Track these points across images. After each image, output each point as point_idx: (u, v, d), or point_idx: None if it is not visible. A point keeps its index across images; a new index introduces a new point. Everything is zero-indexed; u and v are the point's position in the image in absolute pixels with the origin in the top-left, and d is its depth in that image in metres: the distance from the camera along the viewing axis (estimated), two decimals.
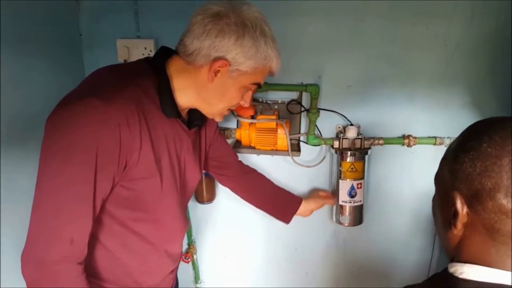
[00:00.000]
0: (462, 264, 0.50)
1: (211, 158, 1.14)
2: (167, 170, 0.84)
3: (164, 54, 0.84)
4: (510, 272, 0.47)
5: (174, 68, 0.82)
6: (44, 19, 1.18)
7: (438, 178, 0.57)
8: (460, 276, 0.49)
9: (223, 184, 1.27)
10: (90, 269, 0.82)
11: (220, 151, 1.15)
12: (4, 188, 1.02)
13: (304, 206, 1.29)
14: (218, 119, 0.91)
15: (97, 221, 0.80)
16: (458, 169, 0.50)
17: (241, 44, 0.76)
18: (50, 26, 1.22)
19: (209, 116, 0.89)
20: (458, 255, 0.53)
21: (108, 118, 0.69)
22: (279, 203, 1.27)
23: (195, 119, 0.92)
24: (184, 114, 0.88)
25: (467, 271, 0.49)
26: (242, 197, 1.28)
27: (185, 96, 0.83)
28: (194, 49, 0.77)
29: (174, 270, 1.04)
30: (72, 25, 1.34)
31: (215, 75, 0.79)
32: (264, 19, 0.80)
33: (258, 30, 0.77)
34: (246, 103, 0.89)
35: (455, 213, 0.51)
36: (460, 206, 0.50)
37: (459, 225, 0.51)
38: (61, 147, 0.68)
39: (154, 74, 0.80)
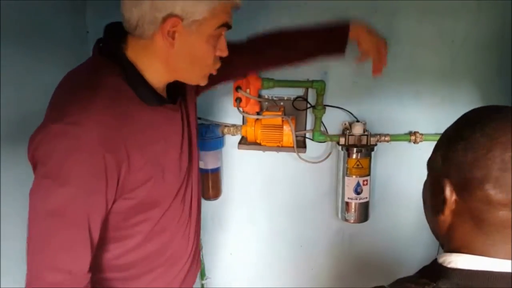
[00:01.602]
0: (450, 253, 0.51)
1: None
2: (167, 159, 0.79)
3: (115, 35, 0.75)
4: (497, 259, 0.48)
5: (132, 50, 0.74)
6: (51, 16, 1.19)
7: (430, 164, 0.57)
8: (449, 266, 0.50)
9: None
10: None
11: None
12: (5, 188, 1.01)
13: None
14: (202, 82, 0.80)
15: (105, 237, 0.77)
16: (450, 157, 0.51)
17: None
18: (57, 23, 1.22)
19: (191, 82, 0.81)
20: (448, 243, 0.54)
21: (82, 143, 0.64)
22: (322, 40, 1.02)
23: (175, 89, 0.84)
24: (163, 90, 0.80)
25: (455, 260, 0.50)
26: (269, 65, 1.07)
27: (156, 75, 0.75)
28: (137, 20, 0.68)
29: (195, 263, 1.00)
30: (79, 22, 1.35)
31: (173, 38, 0.70)
32: None
33: None
34: (223, 52, 0.77)
35: (444, 200, 0.51)
36: (449, 193, 0.50)
37: (447, 211, 0.51)
38: (42, 180, 0.65)
39: (116, 65, 0.72)
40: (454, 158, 0.50)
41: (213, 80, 0.86)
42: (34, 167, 0.67)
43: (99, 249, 0.76)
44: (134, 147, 0.71)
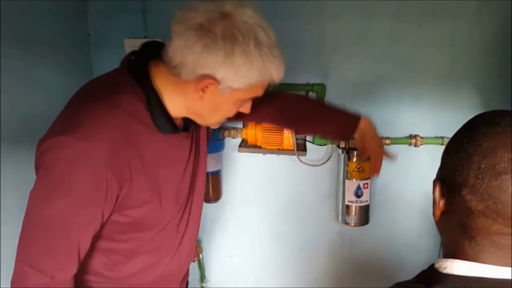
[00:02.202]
0: (446, 259, 0.51)
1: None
2: (167, 186, 0.79)
3: (147, 55, 0.74)
4: (491, 266, 0.47)
5: (161, 76, 0.73)
6: (52, 19, 1.19)
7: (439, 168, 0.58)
8: (444, 271, 0.50)
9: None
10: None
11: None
12: (5, 188, 1.02)
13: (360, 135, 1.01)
14: (214, 127, 0.82)
15: (93, 249, 0.78)
16: (443, 159, 0.52)
17: (230, 62, 0.65)
18: (58, 26, 1.22)
19: (203, 125, 0.82)
20: (443, 248, 0.54)
21: (88, 158, 0.64)
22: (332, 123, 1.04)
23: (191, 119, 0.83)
24: (179, 120, 0.79)
25: (450, 266, 0.50)
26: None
27: (176, 108, 0.75)
28: (178, 63, 0.67)
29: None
30: (80, 25, 1.35)
31: (204, 92, 0.70)
32: (259, 23, 0.67)
33: (252, 41, 0.65)
34: (246, 111, 0.79)
35: (433, 201, 0.52)
36: (438, 195, 0.51)
37: (437, 212, 0.52)
38: (43, 185, 0.66)
39: (140, 87, 0.71)
40: (445, 161, 0.51)
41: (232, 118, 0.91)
42: (38, 170, 0.67)
43: (88, 256, 0.76)
44: (139, 171, 0.71)
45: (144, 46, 0.76)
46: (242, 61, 0.65)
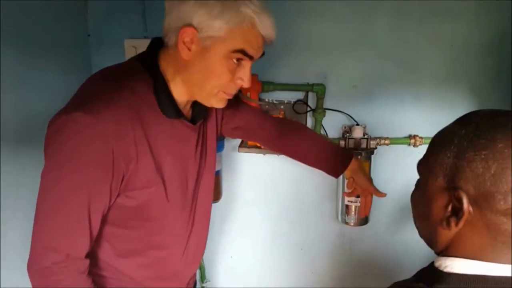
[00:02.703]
0: (446, 258, 0.51)
1: (235, 128, 1.04)
2: (172, 176, 0.79)
3: (156, 47, 0.78)
4: (493, 264, 0.47)
5: (163, 61, 0.76)
6: (52, 19, 1.19)
7: (430, 169, 0.53)
8: (445, 270, 0.50)
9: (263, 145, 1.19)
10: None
11: (241, 119, 1.02)
12: (6, 188, 1.01)
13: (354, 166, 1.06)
14: (216, 104, 0.79)
15: (101, 237, 0.79)
16: (466, 167, 0.47)
17: (201, 4, 0.67)
18: (58, 26, 1.22)
19: (206, 103, 0.79)
20: (449, 250, 0.52)
21: (96, 132, 0.66)
22: (328, 160, 1.08)
23: (199, 111, 0.84)
24: (187, 109, 0.82)
25: (451, 265, 0.49)
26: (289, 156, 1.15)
27: (177, 88, 0.77)
28: (166, 28, 0.72)
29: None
30: (80, 25, 1.35)
31: (189, 49, 0.71)
32: None
33: None
34: (243, 81, 0.76)
35: (457, 211, 0.49)
36: (466, 206, 0.48)
37: (461, 223, 0.49)
38: (53, 164, 0.68)
39: (148, 73, 0.75)
40: (471, 169, 0.47)
41: (240, 133, 1.05)
42: (47, 148, 0.69)
43: (96, 245, 0.78)
44: (145, 151, 0.73)
45: (154, 40, 0.79)
46: (213, 2, 0.67)
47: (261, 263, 1.61)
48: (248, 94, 1.32)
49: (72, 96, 0.73)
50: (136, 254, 0.83)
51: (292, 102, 1.39)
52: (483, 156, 0.46)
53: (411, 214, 0.62)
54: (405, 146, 1.40)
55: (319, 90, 1.33)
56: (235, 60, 0.73)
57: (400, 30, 1.32)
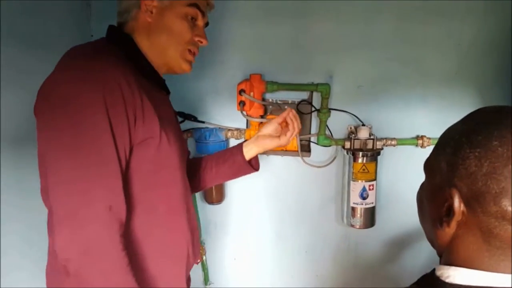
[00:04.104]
0: (448, 267, 0.49)
1: None
2: (170, 133, 0.82)
3: (116, 29, 0.86)
4: (497, 274, 0.45)
5: (131, 34, 0.85)
6: (55, 20, 1.20)
7: (430, 166, 0.52)
8: (446, 280, 0.47)
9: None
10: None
11: None
12: (5, 188, 1.02)
13: (252, 146, 1.05)
14: (185, 66, 0.88)
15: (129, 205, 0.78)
16: (460, 165, 0.46)
17: None
18: (61, 27, 1.23)
19: (176, 66, 0.88)
20: (448, 255, 0.50)
21: (107, 77, 0.69)
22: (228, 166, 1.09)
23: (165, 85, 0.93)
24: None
25: (453, 275, 0.47)
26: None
27: (148, 54, 0.85)
28: (125, 4, 0.84)
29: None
30: (83, 25, 1.36)
31: (151, 12, 0.83)
32: None
33: None
34: (201, 38, 0.88)
35: (450, 211, 0.47)
36: (458, 205, 0.46)
37: (453, 224, 0.47)
38: (68, 114, 0.67)
39: (118, 47, 0.81)
40: (465, 167, 0.45)
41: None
42: (47, 109, 0.68)
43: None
44: (146, 101, 0.76)
45: (110, 26, 0.87)
46: None
47: (265, 266, 1.60)
48: (252, 94, 1.32)
49: (58, 64, 0.74)
50: (156, 227, 0.83)
51: (296, 102, 1.39)
52: (477, 153, 0.44)
53: (417, 216, 0.60)
54: (412, 147, 1.39)
55: (324, 90, 1.32)
56: (190, 18, 0.86)
57: (406, 29, 1.31)
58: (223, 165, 1.07)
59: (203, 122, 1.41)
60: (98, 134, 0.67)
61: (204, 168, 1.08)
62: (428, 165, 0.53)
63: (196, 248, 0.97)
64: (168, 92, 0.95)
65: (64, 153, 0.66)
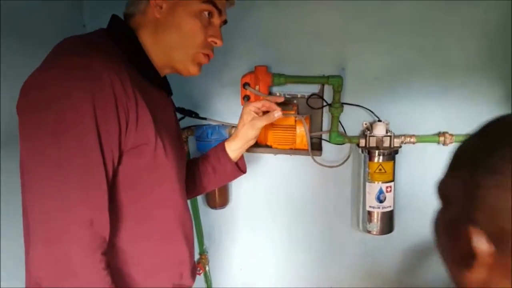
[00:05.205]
0: None
1: None
2: (167, 140, 0.80)
3: (121, 20, 0.84)
4: None
5: (135, 29, 0.82)
6: (48, 11, 1.21)
7: (443, 192, 0.46)
8: None
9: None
10: None
11: None
12: (4, 188, 1.04)
13: (236, 143, 1.04)
14: (193, 69, 0.86)
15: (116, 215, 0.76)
16: (478, 196, 0.39)
17: None
18: (54, 17, 1.24)
19: (182, 68, 0.85)
20: None
21: (98, 74, 0.66)
22: (215, 172, 1.09)
23: (167, 86, 0.93)
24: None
25: None
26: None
27: (150, 52, 0.83)
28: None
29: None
30: (76, 16, 1.38)
31: (161, 7, 0.79)
32: None
33: None
34: (216, 39, 0.85)
35: (473, 254, 0.40)
36: (481, 246, 0.39)
37: (480, 269, 0.40)
38: (51, 116, 0.64)
39: (117, 43, 0.79)
40: (484, 199, 0.39)
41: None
42: (29, 109, 0.66)
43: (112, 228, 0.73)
44: (141, 102, 0.73)
45: (114, 16, 0.84)
46: None
47: (274, 276, 1.58)
48: (257, 87, 1.30)
49: (46, 58, 0.72)
50: (147, 237, 0.81)
51: (306, 96, 1.37)
52: (497, 182, 0.37)
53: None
54: (433, 145, 1.36)
55: (336, 82, 1.29)
56: (206, 14, 0.82)
57: (426, 16, 1.28)
58: (213, 175, 1.07)
59: (204, 118, 1.40)
60: (83, 138, 0.65)
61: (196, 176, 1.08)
62: (441, 191, 0.47)
63: (193, 270, 0.94)
64: (169, 93, 0.93)
65: (43, 157, 0.64)
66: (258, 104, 1.02)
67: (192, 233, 0.95)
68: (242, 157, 1.09)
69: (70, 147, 0.64)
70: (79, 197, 0.64)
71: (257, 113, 1.02)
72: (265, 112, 1.04)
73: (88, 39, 0.76)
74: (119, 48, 0.77)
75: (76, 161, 0.64)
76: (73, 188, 0.64)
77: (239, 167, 1.08)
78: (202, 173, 1.07)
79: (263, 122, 1.01)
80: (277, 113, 1.01)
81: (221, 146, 1.06)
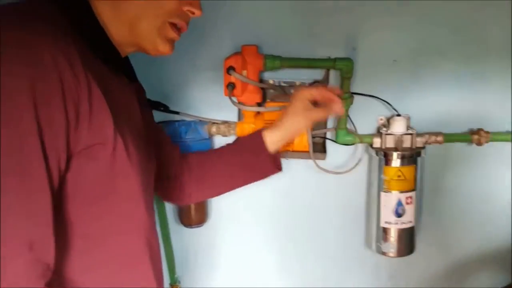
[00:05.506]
0: None
1: None
2: (130, 139, 0.78)
3: None
4: None
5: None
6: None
7: None
8: None
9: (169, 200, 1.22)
10: None
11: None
12: None
13: (278, 134, 1.09)
14: (162, 47, 0.83)
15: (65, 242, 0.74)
16: None
17: None
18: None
19: (149, 46, 0.83)
20: None
21: (38, 55, 0.63)
22: (249, 167, 1.15)
23: (130, 71, 0.91)
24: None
25: None
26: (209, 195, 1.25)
27: (108, 26, 0.79)
28: None
29: None
30: None
31: None
32: None
33: None
34: (193, 7, 0.83)
35: None
36: None
37: None
38: None
39: (62, 9, 0.75)
40: None
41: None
42: None
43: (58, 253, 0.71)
44: (97, 91, 0.71)
45: None
46: None
47: None
48: (245, 72, 1.25)
49: None
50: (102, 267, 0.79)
51: (307, 85, 1.34)
52: None
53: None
54: (464, 145, 1.36)
55: (345, 66, 1.25)
56: None
57: None
58: (241, 171, 1.12)
59: (177, 113, 1.36)
60: (20, 138, 0.62)
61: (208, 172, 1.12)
62: None
63: None
64: (133, 79, 0.91)
65: None
66: (315, 92, 1.06)
67: (161, 259, 0.95)
68: (279, 152, 1.14)
69: (2, 150, 0.60)
70: (15, 213, 0.62)
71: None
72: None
73: (25, 7, 0.72)
74: (67, 19, 0.73)
75: (10, 167, 0.61)
76: (7, 201, 0.61)
77: (277, 164, 1.13)
78: (224, 168, 1.12)
79: (320, 115, 1.06)
80: (339, 107, 1.04)
81: (257, 136, 1.09)
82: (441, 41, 1.31)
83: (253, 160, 1.10)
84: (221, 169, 1.13)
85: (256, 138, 1.09)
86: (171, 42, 0.85)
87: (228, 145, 1.16)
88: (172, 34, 0.83)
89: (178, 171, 1.12)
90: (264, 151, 1.08)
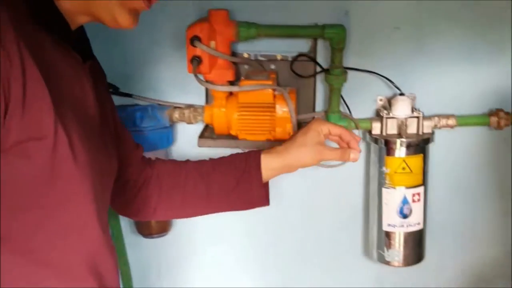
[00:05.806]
0: None
1: None
2: (77, 132, 0.76)
3: None
4: None
5: None
6: None
7: None
8: None
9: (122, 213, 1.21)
10: None
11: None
12: None
13: (278, 161, 1.10)
14: (122, 19, 0.81)
15: None
16: None
17: None
18: None
19: (107, 16, 0.81)
20: None
21: None
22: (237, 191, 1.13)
23: (85, 46, 0.91)
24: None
25: None
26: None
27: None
28: None
29: None
30: None
31: None
32: None
33: None
34: None
35: None
36: None
37: None
38: None
39: None
40: None
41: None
42: None
43: None
44: (33, 72, 0.69)
45: None
46: None
47: None
48: (213, 43, 1.22)
49: None
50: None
51: (290, 59, 1.33)
52: None
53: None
54: (481, 129, 1.36)
55: (335, 35, 1.23)
56: None
57: None
58: (229, 194, 1.10)
59: (129, 95, 1.34)
60: None
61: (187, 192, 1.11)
62: None
63: None
64: (87, 57, 0.88)
65: None
66: (335, 130, 1.07)
67: (117, 277, 0.93)
68: (268, 183, 1.14)
69: None
70: None
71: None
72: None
73: None
74: None
75: None
76: None
77: (267, 194, 1.13)
78: (201, 186, 1.10)
79: (332, 156, 1.07)
80: (354, 155, 1.06)
81: (255, 157, 1.09)
82: (450, 6, 1.30)
83: (240, 183, 1.09)
84: (198, 186, 1.11)
85: (250, 157, 1.09)
86: (135, 13, 0.82)
87: (214, 159, 1.15)
88: (139, 4, 0.81)
89: (140, 177, 1.10)
90: (257, 174, 1.08)
